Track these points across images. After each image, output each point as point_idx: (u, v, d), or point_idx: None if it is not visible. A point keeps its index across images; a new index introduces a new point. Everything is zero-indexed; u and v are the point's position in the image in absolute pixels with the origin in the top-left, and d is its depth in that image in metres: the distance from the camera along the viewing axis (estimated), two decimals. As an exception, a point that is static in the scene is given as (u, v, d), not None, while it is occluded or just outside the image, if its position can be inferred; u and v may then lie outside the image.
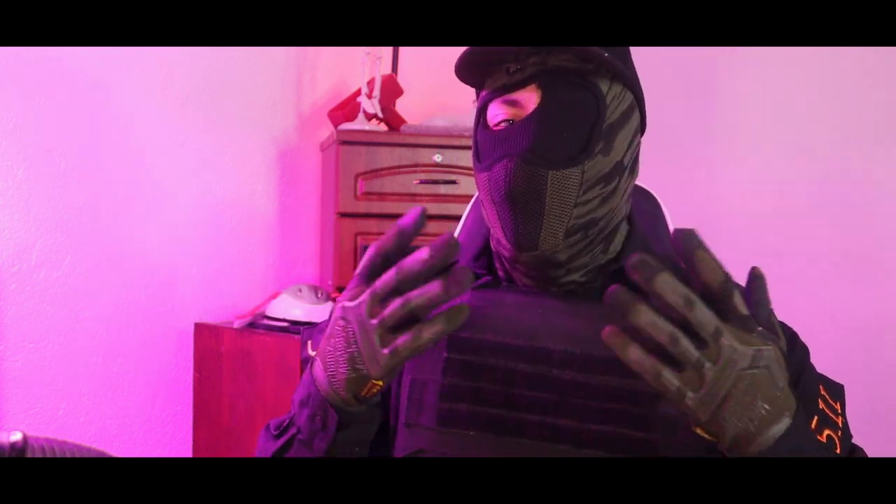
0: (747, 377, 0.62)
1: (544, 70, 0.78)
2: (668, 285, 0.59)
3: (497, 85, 0.81)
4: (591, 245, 0.81)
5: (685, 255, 0.61)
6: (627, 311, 0.60)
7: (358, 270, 0.71)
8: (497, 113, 0.81)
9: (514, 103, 0.80)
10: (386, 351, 0.66)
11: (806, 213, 1.87)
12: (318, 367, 0.73)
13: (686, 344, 0.61)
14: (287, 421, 0.80)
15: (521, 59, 0.79)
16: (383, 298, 0.66)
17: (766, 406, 0.63)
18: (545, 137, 0.77)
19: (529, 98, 0.79)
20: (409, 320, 0.65)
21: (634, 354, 0.61)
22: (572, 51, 0.78)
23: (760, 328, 0.64)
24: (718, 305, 0.62)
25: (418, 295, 0.64)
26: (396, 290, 0.66)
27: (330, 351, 0.71)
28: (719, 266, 0.61)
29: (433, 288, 0.63)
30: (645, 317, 0.60)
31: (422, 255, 0.64)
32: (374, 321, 0.66)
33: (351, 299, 0.69)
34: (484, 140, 0.82)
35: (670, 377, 0.61)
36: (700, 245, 0.61)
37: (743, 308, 0.63)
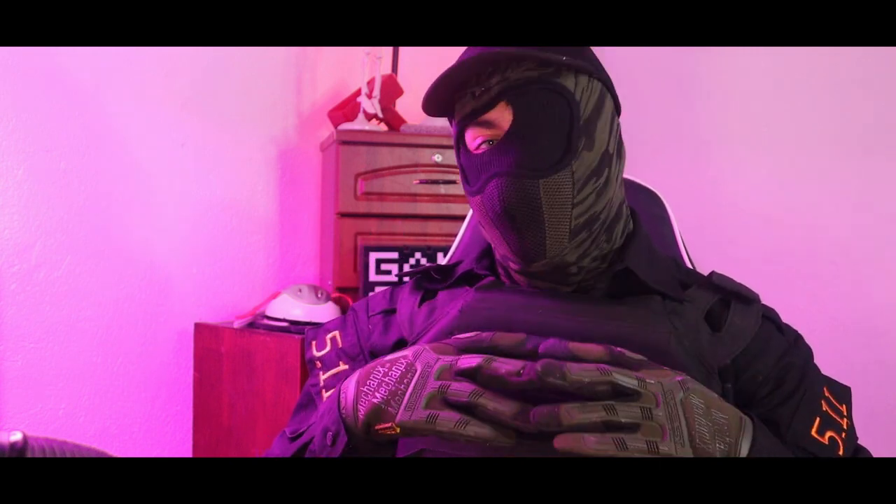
0: (690, 401, 0.65)
1: (509, 86, 0.78)
2: (579, 374, 0.63)
3: (466, 111, 0.81)
4: (597, 239, 0.82)
5: (555, 377, 0.63)
6: (557, 422, 0.62)
7: (461, 337, 0.73)
8: (475, 136, 0.82)
9: (488, 124, 0.80)
10: (425, 413, 0.67)
11: (806, 213, 1.87)
12: (351, 381, 0.74)
13: (622, 406, 0.63)
14: (304, 428, 0.81)
15: (483, 81, 0.79)
16: (459, 373, 0.68)
17: (723, 415, 0.66)
18: (527, 150, 0.78)
19: (502, 116, 0.79)
20: (462, 405, 0.67)
21: (590, 445, 0.62)
22: (530, 60, 0.78)
23: (666, 367, 0.69)
24: (623, 366, 0.66)
25: (490, 401, 0.65)
26: (472, 376, 0.67)
27: (382, 372, 0.72)
28: (592, 346, 0.66)
29: (504, 408, 0.65)
30: (571, 414, 0.62)
31: (513, 367, 0.65)
32: (437, 384, 0.68)
33: (435, 350, 0.71)
34: (469, 165, 0.83)
35: (634, 442, 0.63)
36: (564, 357, 0.65)
37: (637, 356, 0.68)
